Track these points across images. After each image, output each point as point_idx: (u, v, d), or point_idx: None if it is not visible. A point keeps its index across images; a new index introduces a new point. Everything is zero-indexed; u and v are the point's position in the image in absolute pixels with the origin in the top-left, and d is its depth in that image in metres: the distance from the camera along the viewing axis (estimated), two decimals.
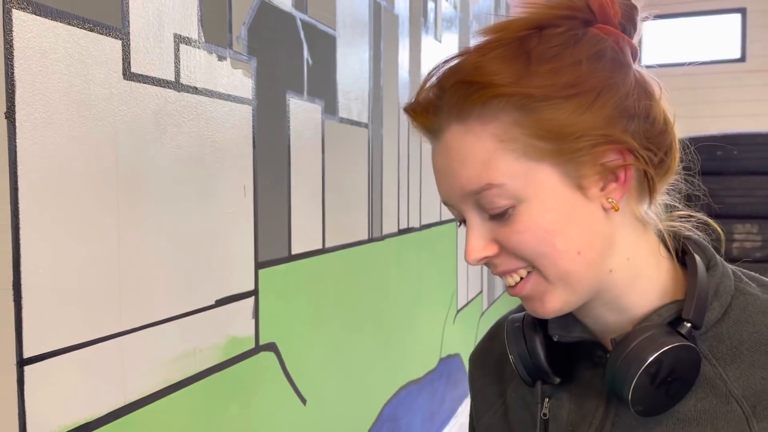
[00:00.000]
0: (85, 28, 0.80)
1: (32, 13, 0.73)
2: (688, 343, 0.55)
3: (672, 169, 0.60)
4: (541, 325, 0.64)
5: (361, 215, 1.66)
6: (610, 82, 0.55)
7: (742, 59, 5.30)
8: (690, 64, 5.28)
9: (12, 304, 0.73)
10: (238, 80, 1.11)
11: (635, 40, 0.60)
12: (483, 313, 2.93)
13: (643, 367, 0.54)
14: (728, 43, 5.35)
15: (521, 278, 0.59)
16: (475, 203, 0.57)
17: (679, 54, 5.46)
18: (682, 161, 0.62)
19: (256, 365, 1.19)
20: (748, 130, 4.56)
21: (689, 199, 0.66)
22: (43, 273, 0.76)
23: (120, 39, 0.86)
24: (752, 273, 0.64)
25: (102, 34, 0.83)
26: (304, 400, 1.36)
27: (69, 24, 0.78)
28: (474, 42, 0.59)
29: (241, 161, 1.13)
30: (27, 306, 0.74)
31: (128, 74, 0.87)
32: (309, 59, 1.35)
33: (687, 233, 0.64)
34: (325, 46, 1.44)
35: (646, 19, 0.61)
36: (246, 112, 1.14)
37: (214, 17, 1.05)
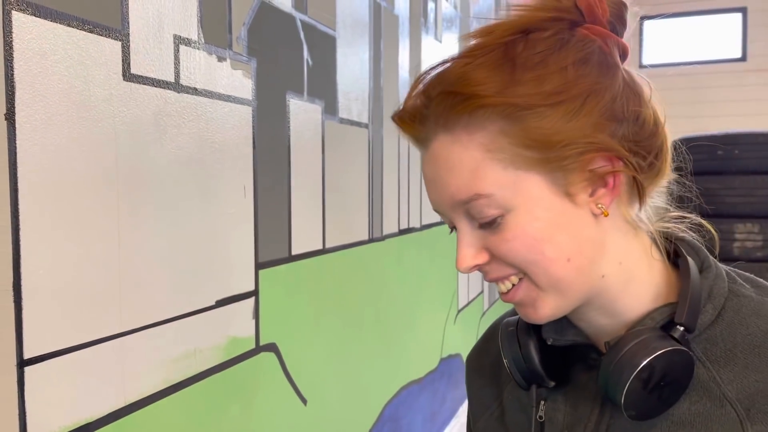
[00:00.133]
0: (85, 30, 0.80)
1: (32, 14, 0.73)
2: (681, 347, 0.55)
3: (663, 171, 0.59)
4: (535, 328, 0.64)
5: (361, 215, 1.66)
6: (596, 86, 0.55)
7: (743, 59, 5.29)
8: (691, 63, 5.28)
9: (12, 305, 0.73)
10: (238, 81, 1.11)
11: (625, 38, 0.60)
12: (484, 314, 2.93)
13: (635, 373, 0.54)
14: (729, 43, 5.34)
15: (513, 285, 0.58)
16: (464, 212, 0.57)
17: (680, 53, 5.46)
18: (674, 161, 0.62)
19: (256, 366, 1.19)
20: (749, 129, 4.56)
21: (682, 201, 0.66)
22: (43, 274, 0.76)
23: (120, 40, 0.86)
24: (747, 274, 0.63)
25: (102, 35, 0.83)
26: (304, 401, 1.37)
27: (69, 25, 0.78)
28: (462, 46, 0.58)
29: (241, 162, 1.13)
30: (27, 307, 0.74)
31: (128, 75, 0.87)
32: (309, 60, 1.35)
33: (681, 235, 0.64)
34: (325, 46, 1.44)
35: (637, 16, 0.60)
36: (246, 113, 1.14)
37: (214, 18, 1.05)
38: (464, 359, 0.81)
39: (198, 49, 1.01)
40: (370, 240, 1.71)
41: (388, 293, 1.85)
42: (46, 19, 0.75)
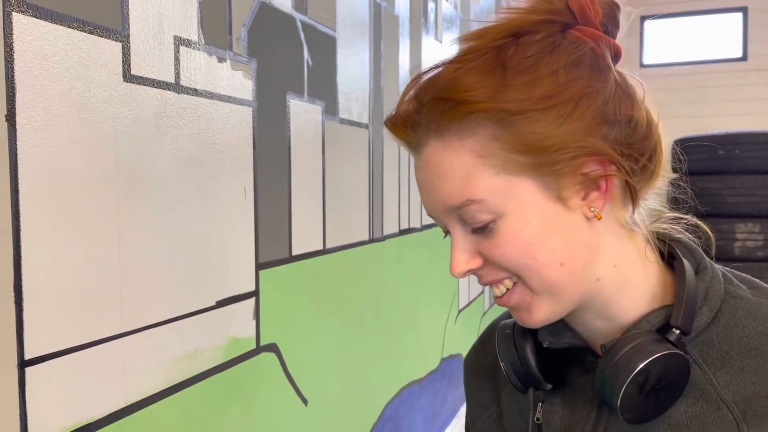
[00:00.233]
0: (85, 31, 0.80)
1: (32, 16, 0.74)
2: (677, 351, 0.55)
3: (657, 174, 0.59)
4: (531, 331, 0.64)
5: (361, 215, 1.66)
6: (588, 90, 0.54)
7: (744, 58, 5.29)
8: (691, 63, 5.27)
9: (13, 305, 0.73)
10: (239, 82, 1.12)
11: (620, 38, 0.59)
12: (484, 314, 2.93)
13: (631, 377, 0.54)
14: (730, 42, 5.34)
15: (507, 289, 0.58)
16: (457, 217, 0.57)
17: (681, 53, 5.46)
18: (675, 162, 0.62)
19: (257, 366, 1.19)
20: (750, 129, 4.56)
21: (677, 202, 0.66)
22: (44, 275, 0.76)
23: (120, 41, 0.86)
24: (743, 275, 0.63)
25: (102, 36, 0.83)
26: (305, 401, 1.37)
27: (69, 27, 0.78)
28: (455, 50, 0.58)
29: (242, 162, 1.13)
30: (28, 308, 0.74)
31: (128, 76, 0.87)
32: (309, 60, 1.36)
33: (677, 236, 0.63)
34: (325, 47, 1.44)
35: (631, 16, 0.60)
36: (246, 114, 1.14)
37: (214, 19, 1.05)
38: None
39: (198, 50, 1.01)
40: (371, 240, 1.71)
41: (388, 293, 1.85)
42: (46, 20, 0.75)
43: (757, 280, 0.63)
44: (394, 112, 0.60)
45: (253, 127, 1.16)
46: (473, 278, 0.61)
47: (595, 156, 0.54)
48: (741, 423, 0.55)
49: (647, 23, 5.33)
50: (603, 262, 0.58)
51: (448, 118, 0.55)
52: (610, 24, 0.59)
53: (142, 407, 0.92)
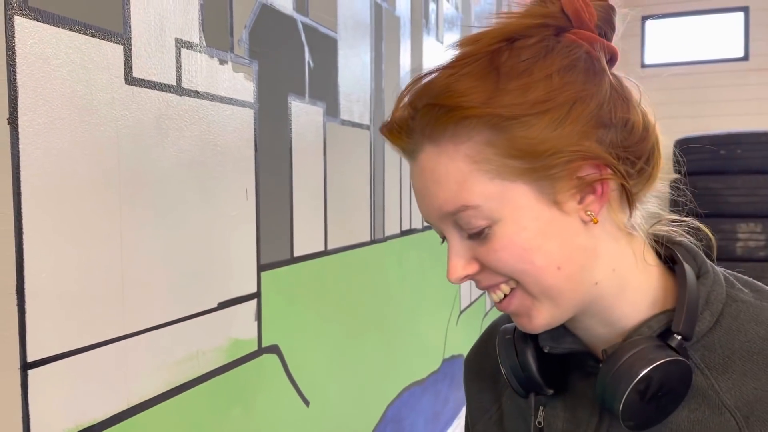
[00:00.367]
0: (87, 34, 0.81)
1: (34, 19, 0.74)
2: (678, 357, 0.54)
3: (654, 176, 0.58)
4: (532, 336, 0.64)
5: (363, 217, 1.66)
6: (582, 93, 0.54)
7: (745, 58, 5.28)
8: (693, 63, 5.26)
9: (15, 308, 0.73)
10: (240, 84, 1.12)
11: (616, 40, 0.59)
12: (486, 314, 2.93)
13: (633, 384, 0.54)
14: (731, 42, 5.33)
15: (505, 295, 0.58)
16: (453, 223, 0.57)
17: (682, 53, 5.45)
18: (674, 164, 0.61)
19: (258, 367, 1.19)
20: (752, 129, 4.55)
21: (677, 204, 0.65)
22: (46, 277, 0.77)
23: (122, 44, 0.86)
24: (746, 278, 0.63)
25: (104, 39, 0.83)
26: (307, 402, 1.37)
27: (71, 30, 0.78)
28: (450, 55, 0.57)
29: (243, 164, 1.13)
30: (30, 310, 0.75)
31: (130, 79, 0.87)
32: (310, 62, 1.36)
33: (678, 239, 0.63)
34: (326, 48, 1.44)
35: (627, 18, 0.59)
36: (248, 116, 1.14)
37: (216, 21, 1.05)
38: None
39: (199, 52, 1.01)
40: (372, 241, 1.71)
41: (390, 294, 1.85)
42: (48, 23, 0.75)
43: (760, 284, 0.62)
44: (389, 119, 0.60)
45: (255, 129, 1.16)
46: (458, 284, 0.61)
47: (590, 160, 0.54)
48: (743, 428, 0.54)
49: (648, 23, 5.33)
50: (601, 265, 0.57)
51: (443, 124, 0.55)
52: (606, 26, 0.58)
53: (144, 409, 0.92)
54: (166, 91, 0.94)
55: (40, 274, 0.76)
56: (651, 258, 0.61)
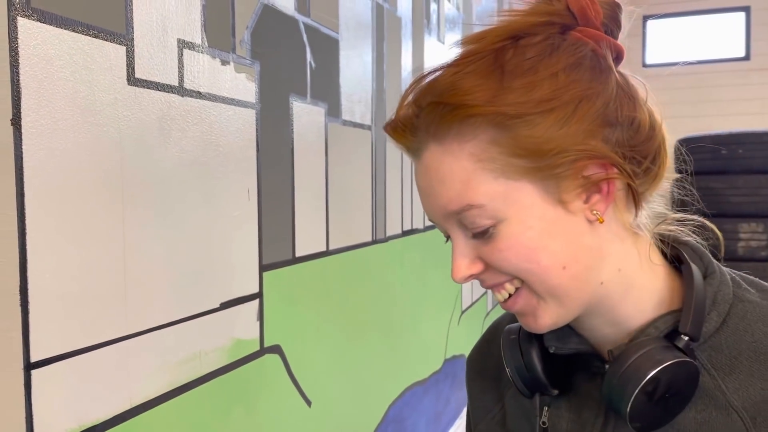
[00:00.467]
0: (90, 35, 0.81)
1: (37, 20, 0.74)
2: (686, 359, 0.54)
3: (660, 176, 0.58)
4: (537, 336, 0.63)
5: (364, 217, 1.66)
6: (588, 92, 0.53)
7: (747, 58, 5.28)
8: (694, 63, 5.26)
9: (19, 308, 0.73)
10: (242, 84, 1.12)
11: (623, 38, 0.58)
12: (487, 314, 2.93)
13: (641, 386, 0.53)
14: (732, 42, 5.33)
15: (510, 295, 0.58)
16: (457, 222, 0.56)
17: (684, 53, 5.45)
18: (675, 164, 0.61)
19: (260, 368, 1.19)
20: (753, 128, 4.55)
21: (684, 204, 0.65)
22: (50, 278, 0.77)
23: (124, 45, 0.86)
24: (752, 278, 0.62)
25: (106, 40, 0.83)
26: (309, 402, 1.37)
27: (74, 31, 0.79)
28: (454, 53, 0.56)
29: (245, 164, 1.14)
30: (33, 310, 0.75)
31: (132, 80, 0.88)
32: (312, 62, 1.36)
33: (684, 239, 0.62)
34: (328, 49, 1.44)
35: (633, 16, 0.58)
36: (249, 116, 1.15)
37: (217, 22, 1.06)
38: None
39: (201, 52, 1.02)
40: (374, 241, 1.71)
41: (391, 294, 1.85)
42: (51, 24, 0.76)
43: (766, 284, 0.62)
44: (393, 117, 0.59)
45: (257, 129, 1.17)
46: (463, 283, 0.60)
47: (596, 159, 0.54)
48: (750, 429, 0.54)
49: (650, 23, 5.33)
50: (607, 265, 0.57)
51: (447, 122, 0.54)
52: (612, 24, 0.58)
53: (147, 409, 0.92)
54: (168, 92, 0.94)
55: (43, 275, 0.76)
56: (657, 258, 0.60)
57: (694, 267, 0.59)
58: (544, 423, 0.64)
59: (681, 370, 0.54)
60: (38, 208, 0.75)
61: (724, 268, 0.62)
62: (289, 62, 1.28)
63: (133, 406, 0.90)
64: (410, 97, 0.58)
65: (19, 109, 0.72)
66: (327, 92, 1.44)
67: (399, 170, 1.89)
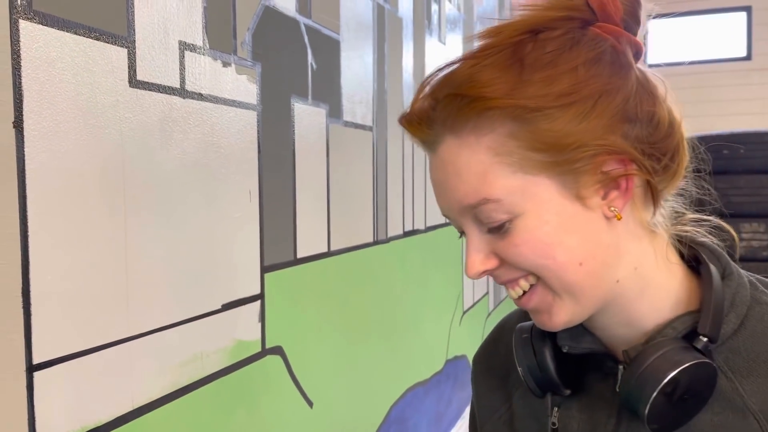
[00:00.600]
0: (92, 37, 0.81)
1: (39, 23, 0.74)
2: (705, 360, 0.53)
3: (679, 173, 0.57)
4: (550, 336, 0.62)
5: (366, 218, 1.66)
6: (608, 87, 0.53)
7: (748, 57, 5.28)
8: (695, 62, 5.25)
9: (21, 310, 0.73)
10: (243, 86, 1.12)
11: (639, 36, 0.58)
12: (489, 314, 2.93)
13: (660, 387, 0.52)
14: (734, 42, 5.32)
15: (524, 291, 0.57)
16: (472, 217, 0.55)
17: (685, 52, 5.44)
18: (692, 162, 0.60)
19: (262, 369, 1.19)
20: (755, 128, 4.54)
21: (701, 204, 0.64)
22: (52, 279, 0.77)
23: (126, 47, 0.86)
24: (767, 280, 0.62)
25: (108, 42, 0.84)
26: (310, 403, 1.37)
27: (75, 33, 0.79)
28: (468, 47, 0.57)
29: (247, 166, 1.14)
30: (36, 312, 0.75)
31: (134, 82, 0.88)
32: (313, 64, 1.36)
33: (701, 239, 0.61)
34: (329, 50, 1.44)
35: (650, 14, 0.58)
36: (251, 118, 1.15)
37: (219, 24, 1.06)
38: (470, 361, 0.80)
39: (203, 54, 1.02)
40: (375, 242, 1.71)
41: (393, 295, 1.85)
42: (52, 27, 0.76)
43: None
44: (409, 109, 0.58)
45: (258, 131, 1.17)
46: (477, 279, 0.59)
47: (615, 154, 0.53)
48: None
49: (651, 23, 5.32)
50: (623, 263, 0.56)
51: (465, 115, 0.53)
52: (631, 21, 0.57)
53: (149, 411, 0.92)
54: (169, 94, 0.94)
55: (45, 277, 0.76)
56: (674, 257, 0.60)
57: (712, 267, 0.58)
58: (554, 423, 0.63)
59: (700, 371, 0.53)
60: (40, 210, 0.75)
61: (741, 270, 0.61)
62: (290, 63, 1.28)
63: (135, 407, 0.90)
64: (426, 90, 0.57)
65: (21, 112, 0.72)
66: (328, 93, 1.44)
67: (400, 171, 1.89)
